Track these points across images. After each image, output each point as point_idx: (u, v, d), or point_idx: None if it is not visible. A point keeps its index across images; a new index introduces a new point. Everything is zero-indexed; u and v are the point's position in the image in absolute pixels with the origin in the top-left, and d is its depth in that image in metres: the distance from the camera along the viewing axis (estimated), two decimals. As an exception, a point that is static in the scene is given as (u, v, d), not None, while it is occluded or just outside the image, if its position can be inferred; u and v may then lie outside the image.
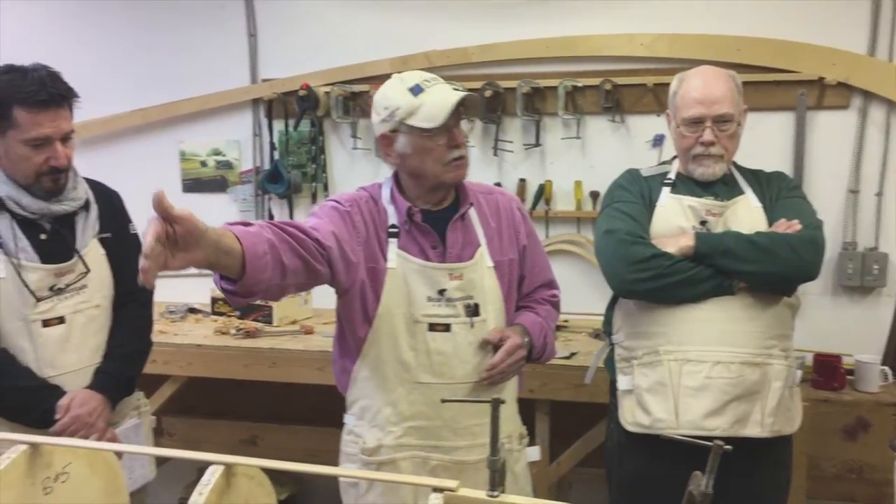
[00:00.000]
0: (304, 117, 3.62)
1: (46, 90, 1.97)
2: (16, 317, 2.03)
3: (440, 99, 1.84)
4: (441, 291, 1.93)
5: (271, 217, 3.80)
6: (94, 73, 3.75)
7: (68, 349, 2.10)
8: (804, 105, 3.13)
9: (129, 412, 2.30)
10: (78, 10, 3.93)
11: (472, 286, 1.95)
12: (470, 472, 1.94)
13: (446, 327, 1.92)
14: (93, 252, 2.16)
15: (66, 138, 2.04)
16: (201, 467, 1.15)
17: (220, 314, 3.54)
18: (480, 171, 3.41)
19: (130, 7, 3.86)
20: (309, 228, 1.79)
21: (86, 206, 2.16)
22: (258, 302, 3.51)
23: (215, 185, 3.90)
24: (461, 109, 1.87)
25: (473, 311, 1.94)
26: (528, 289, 2.12)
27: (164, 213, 1.37)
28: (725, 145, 2.13)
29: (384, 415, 1.96)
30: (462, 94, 1.86)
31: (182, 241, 1.41)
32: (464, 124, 1.93)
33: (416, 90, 1.86)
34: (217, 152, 3.88)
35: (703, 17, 3.21)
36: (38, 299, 2.04)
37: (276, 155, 3.75)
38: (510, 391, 2.06)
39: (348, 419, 2.05)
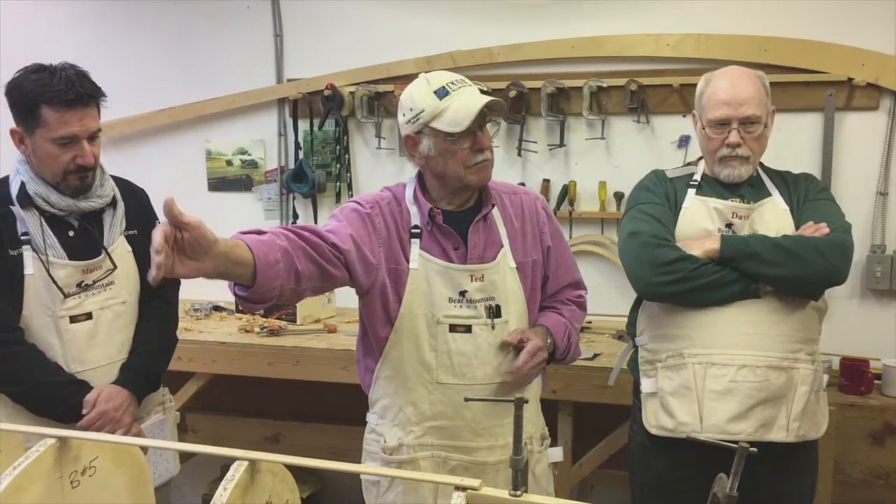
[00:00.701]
0: (328, 117, 3.63)
1: (74, 89, 1.98)
2: (44, 313, 2.06)
3: (465, 103, 1.83)
4: (462, 293, 1.92)
5: (296, 216, 3.82)
6: (121, 72, 3.79)
7: (95, 345, 2.13)
8: (832, 106, 3.09)
9: (155, 408, 2.32)
10: (105, 12, 3.97)
11: (494, 287, 1.94)
12: (490, 473, 1.94)
13: (467, 328, 1.92)
14: (119, 249, 2.18)
15: (92, 137, 2.06)
16: (225, 464, 1.16)
17: (245, 312, 3.56)
18: (504, 172, 3.41)
19: (157, 8, 3.90)
20: (325, 232, 1.81)
21: (113, 204, 2.18)
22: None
23: (240, 184, 3.93)
24: (486, 112, 1.85)
25: (495, 312, 1.93)
26: (553, 289, 2.11)
27: (174, 219, 1.40)
28: (752, 147, 2.11)
29: (405, 414, 1.96)
30: (487, 98, 1.84)
31: (190, 249, 1.45)
32: (490, 126, 1.92)
33: (442, 93, 1.84)
34: (242, 151, 3.91)
35: (730, 16, 3.18)
36: (66, 295, 2.07)
37: (301, 154, 3.77)
38: (532, 392, 2.05)
39: (370, 418, 2.06)
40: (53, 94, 1.96)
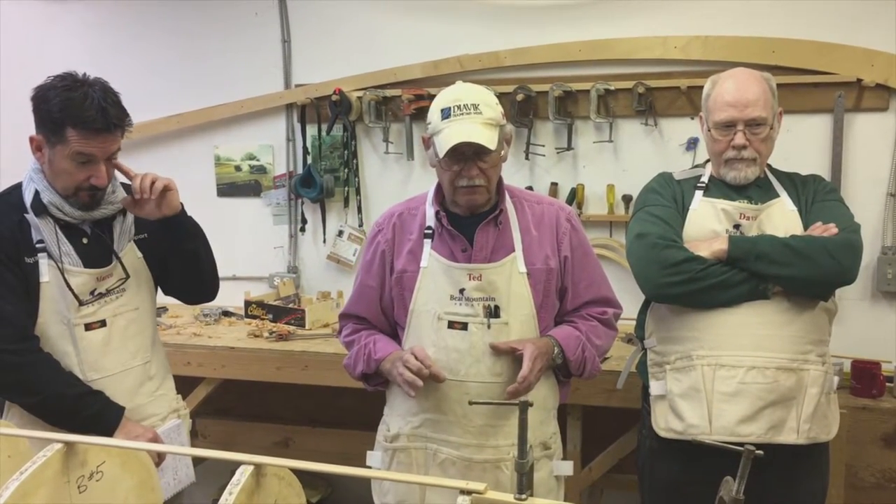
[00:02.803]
0: (336, 122, 3.64)
1: (103, 118, 1.96)
2: (59, 320, 2.05)
3: (451, 135, 1.86)
4: (461, 290, 1.96)
5: (304, 221, 3.83)
6: (130, 79, 3.77)
7: (109, 352, 2.12)
8: (842, 107, 3.08)
9: (170, 414, 2.31)
10: (115, 19, 4.00)
11: (494, 288, 1.96)
12: (477, 471, 1.96)
13: (463, 326, 1.96)
14: (130, 255, 2.18)
15: (110, 157, 2.06)
16: (235, 469, 1.17)
17: (254, 317, 3.57)
18: (512, 176, 3.40)
19: (167, 15, 3.93)
20: (382, 322, 2.14)
21: (123, 211, 2.19)
22: (291, 305, 3.56)
23: (249, 189, 3.94)
24: (479, 145, 1.86)
25: (493, 312, 1.96)
26: (574, 304, 2.08)
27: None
28: (758, 148, 2.10)
29: (406, 405, 2.03)
30: (467, 139, 1.84)
31: None
32: (497, 155, 1.95)
33: (445, 114, 1.89)
34: (251, 157, 3.92)
35: (738, 18, 3.17)
36: (82, 303, 2.07)
37: (309, 159, 3.78)
38: (538, 399, 1.99)
39: (386, 408, 2.14)
40: (81, 119, 1.95)
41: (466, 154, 1.89)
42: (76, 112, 1.95)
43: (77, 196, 2.05)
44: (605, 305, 2.11)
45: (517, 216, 2.03)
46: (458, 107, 1.89)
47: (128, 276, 2.15)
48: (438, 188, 2.06)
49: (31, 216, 2.04)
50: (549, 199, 2.17)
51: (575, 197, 3.40)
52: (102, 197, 2.11)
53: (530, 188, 3.42)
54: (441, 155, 1.88)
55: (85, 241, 2.10)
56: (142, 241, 2.23)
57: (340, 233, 3.80)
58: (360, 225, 3.75)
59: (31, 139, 2.05)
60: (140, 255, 2.22)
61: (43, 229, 2.04)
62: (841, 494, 2.62)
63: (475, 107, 1.89)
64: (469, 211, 2.00)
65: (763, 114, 2.07)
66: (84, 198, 2.06)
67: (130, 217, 2.20)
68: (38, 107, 2.01)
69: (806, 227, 2.09)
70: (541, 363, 1.92)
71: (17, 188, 2.11)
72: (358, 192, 3.74)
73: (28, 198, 2.06)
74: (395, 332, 2.12)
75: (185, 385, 2.91)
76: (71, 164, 2.00)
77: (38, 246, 2.04)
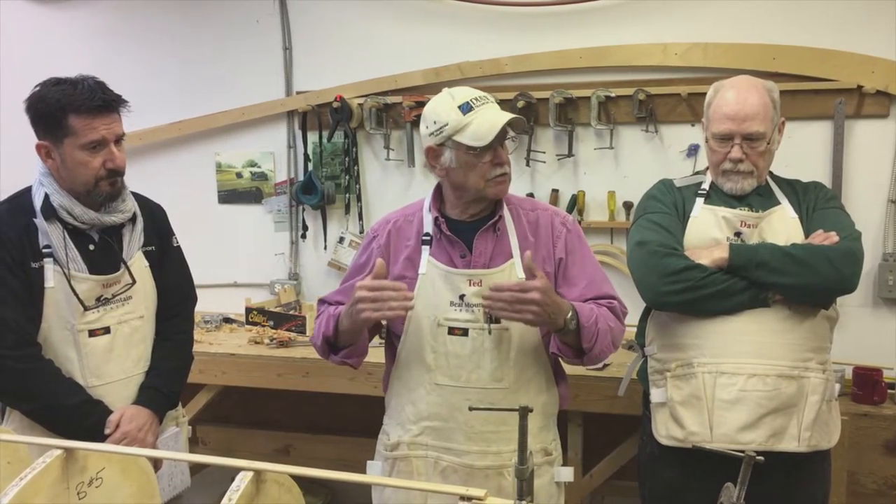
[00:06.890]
0: (337, 129, 3.65)
1: (99, 96, 2.01)
2: (63, 326, 2.05)
3: (488, 119, 1.90)
4: (461, 296, 1.96)
5: (305, 228, 3.83)
6: (131, 86, 3.78)
7: (112, 359, 2.12)
8: (842, 114, 3.08)
9: (169, 423, 2.31)
10: (116, 26, 4.01)
11: None
12: (479, 478, 1.96)
13: (464, 331, 1.96)
14: (138, 264, 2.18)
15: (118, 141, 2.07)
16: (235, 476, 1.16)
17: (255, 324, 3.57)
18: (513, 182, 3.32)
19: (168, 22, 3.94)
20: None
21: (133, 219, 2.19)
22: (292, 312, 3.56)
23: (250, 196, 3.94)
24: (507, 129, 1.92)
25: (493, 318, 1.94)
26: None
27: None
28: (755, 162, 2.10)
29: (406, 413, 2.02)
30: (510, 116, 1.90)
31: None
32: (510, 143, 1.98)
33: (466, 108, 1.91)
34: (252, 164, 3.92)
35: (738, 25, 3.18)
36: (87, 309, 2.07)
37: (310, 166, 3.79)
38: (538, 405, 2.00)
39: (385, 418, 2.13)
40: (80, 102, 1.98)
41: (493, 143, 1.91)
42: (73, 98, 1.99)
43: (98, 188, 2.05)
44: (609, 300, 2.05)
45: (514, 223, 2.04)
46: (476, 98, 1.93)
47: (134, 282, 2.15)
48: (436, 194, 2.07)
49: (39, 220, 2.05)
50: (543, 205, 2.18)
51: (576, 204, 3.40)
52: (123, 187, 2.12)
53: (531, 195, 3.42)
54: (487, 140, 1.88)
55: (91, 247, 2.10)
56: (149, 252, 2.23)
57: (341, 239, 3.80)
58: (361, 231, 3.75)
59: (39, 147, 2.06)
60: (147, 264, 2.22)
61: (51, 234, 2.04)
62: (843, 502, 2.62)
63: (486, 97, 1.95)
64: (496, 197, 2.00)
65: (761, 128, 2.07)
66: (105, 187, 2.07)
67: (140, 225, 2.21)
68: (35, 110, 2.03)
69: (807, 235, 2.08)
70: (528, 297, 1.81)
71: (27, 192, 2.12)
72: (359, 198, 3.75)
73: (38, 202, 2.06)
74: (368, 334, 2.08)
75: (185, 392, 2.90)
76: (84, 153, 2.01)
77: (44, 251, 2.04)
